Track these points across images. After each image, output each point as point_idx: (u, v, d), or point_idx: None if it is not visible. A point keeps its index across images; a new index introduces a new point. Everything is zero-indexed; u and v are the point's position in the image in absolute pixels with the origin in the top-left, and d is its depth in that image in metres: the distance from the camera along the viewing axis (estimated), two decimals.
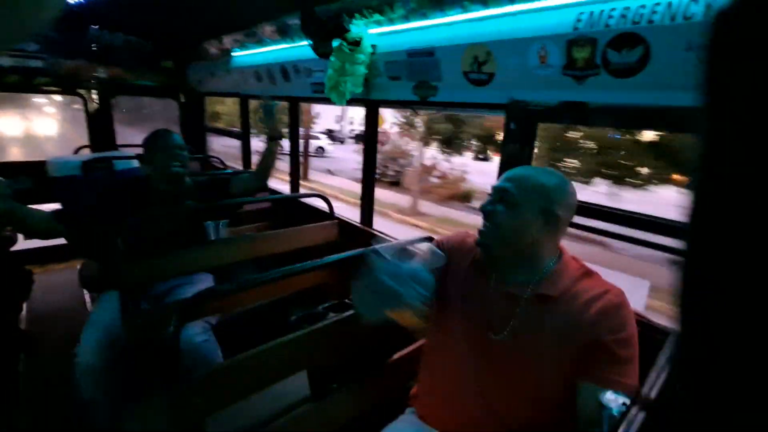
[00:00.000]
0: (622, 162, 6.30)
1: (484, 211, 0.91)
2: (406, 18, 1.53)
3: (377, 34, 1.67)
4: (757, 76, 0.16)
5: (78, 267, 3.12)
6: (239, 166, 3.28)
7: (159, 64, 3.40)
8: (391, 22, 1.58)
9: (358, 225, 2.03)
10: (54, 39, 2.90)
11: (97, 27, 3.03)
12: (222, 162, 3.16)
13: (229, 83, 2.97)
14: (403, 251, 0.83)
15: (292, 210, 2.50)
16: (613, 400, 0.69)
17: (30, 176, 2.86)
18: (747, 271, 0.17)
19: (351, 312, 1.12)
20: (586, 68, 1.07)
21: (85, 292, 2.82)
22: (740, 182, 0.17)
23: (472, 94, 1.41)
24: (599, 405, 0.72)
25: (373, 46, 1.68)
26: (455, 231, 1.13)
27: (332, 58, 1.70)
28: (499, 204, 0.89)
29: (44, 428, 1.75)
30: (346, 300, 1.24)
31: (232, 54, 2.75)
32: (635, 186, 6.35)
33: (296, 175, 2.67)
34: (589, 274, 0.90)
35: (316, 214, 2.30)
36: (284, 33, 2.16)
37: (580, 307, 0.83)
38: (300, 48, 2.10)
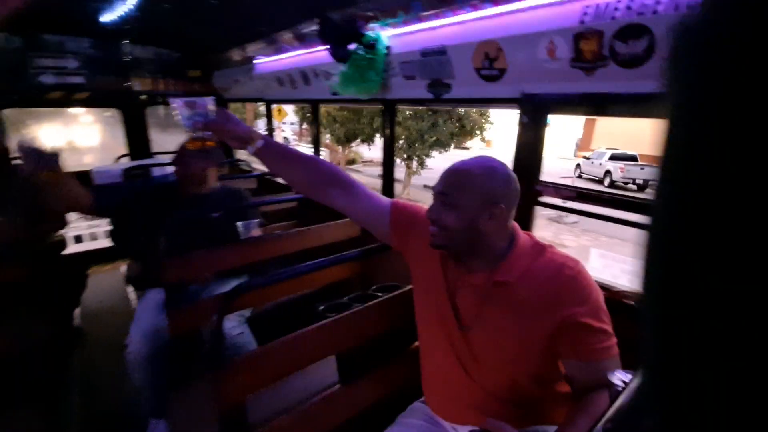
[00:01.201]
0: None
1: (430, 217, 0.93)
2: (419, 19, 1.58)
3: (391, 36, 1.73)
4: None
5: (123, 268, 3.36)
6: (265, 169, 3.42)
7: (187, 73, 3.58)
8: (404, 23, 1.63)
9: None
10: (92, 56, 3.11)
11: (129, 42, 3.23)
12: (249, 165, 3.31)
13: (253, 89, 3.10)
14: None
15: (316, 208, 2.59)
16: (617, 377, 0.73)
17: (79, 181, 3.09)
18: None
19: (374, 302, 1.20)
20: (594, 60, 1.09)
21: (130, 290, 3.04)
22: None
23: (485, 90, 1.44)
24: (597, 380, 0.77)
25: (388, 48, 1.74)
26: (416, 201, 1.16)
27: (349, 62, 1.77)
28: (442, 207, 0.91)
29: (97, 413, 1.92)
30: (368, 291, 1.31)
31: (255, 61, 2.87)
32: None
33: None
34: (542, 250, 0.92)
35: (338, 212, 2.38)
36: (303, 39, 2.25)
37: (540, 286, 0.86)
38: (318, 53, 2.19)
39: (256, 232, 1.82)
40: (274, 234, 1.89)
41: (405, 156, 10.00)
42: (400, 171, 7.92)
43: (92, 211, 1.68)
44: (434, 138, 9.51)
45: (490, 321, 0.91)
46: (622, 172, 13.30)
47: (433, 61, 1.58)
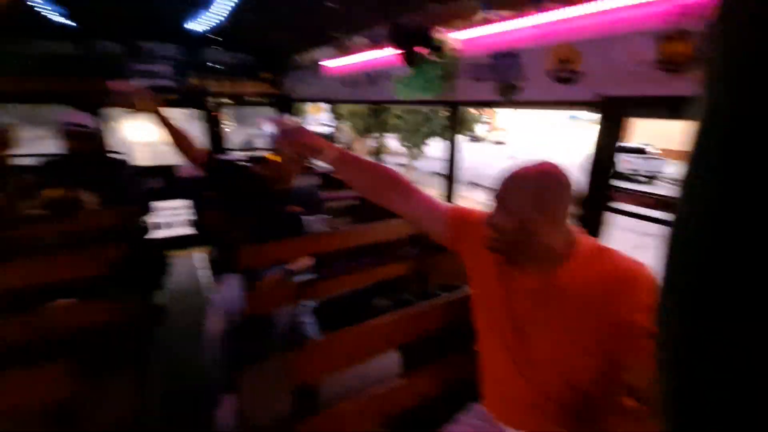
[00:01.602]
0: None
1: (487, 221, 0.94)
2: (489, 22, 1.59)
3: (460, 39, 1.75)
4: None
5: (198, 254, 3.68)
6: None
7: (259, 75, 3.84)
8: (474, 27, 1.65)
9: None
10: (179, 61, 3.45)
11: (211, 48, 3.54)
12: (312, 162, 3.47)
13: (319, 90, 3.26)
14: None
15: (373, 206, 2.68)
16: None
17: (163, 177, 3.45)
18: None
19: (437, 300, 1.24)
20: (680, 62, 1.04)
21: (206, 273, 3.33)
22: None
23: (557, 92, 1.42)
24: None
25: (456, 51, 1.76)
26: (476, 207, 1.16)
27: (416, 65, 1.82)
28: (498, 211, 0.92)
29: (174, 386, 2.15)
30: (430, 289, 1.35)
31: (322, 63, 3.02)
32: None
33: None
34: (604, 253, 0.89)
35: None
36: (370, 43, 2.34)
37: (598, 289, 0.84)
38: (384, 55, 2.26)
39: (321, 226, 1.93)
40: (337, 229, 1.98)
41: (405, 144, 11.85)
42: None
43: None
44: (428, 130, 11.20)
45: (545, 324, 0.92)
46: (625, 164, 13.09)
47: (503, 63, 1.57)
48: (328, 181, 3.28)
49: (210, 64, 3.59)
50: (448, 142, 2.11)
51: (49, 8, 2.45)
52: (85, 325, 1.47)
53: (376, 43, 2.28)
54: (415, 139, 11.61)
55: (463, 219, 1.12)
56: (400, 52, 1.80)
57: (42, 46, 2.96)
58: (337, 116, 12.17)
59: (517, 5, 1.42)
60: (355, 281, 1.82)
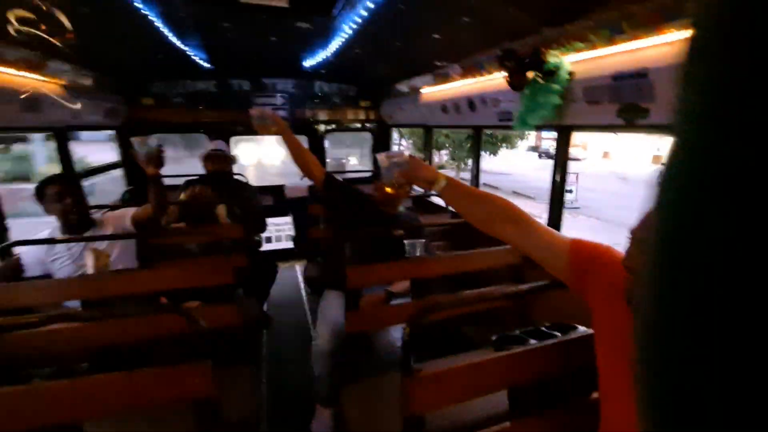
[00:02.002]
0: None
1: (625, 264, 0.84)
2: (611, 42, 1.48)
3: (575, 61, 1.66)
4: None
5: (298, 267, 3.97)
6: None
7: (360, 103, 4.10)
8: (594, 48, 1.55)
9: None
10: (293, 93, 3.86)
11: (320, 80, 3.90)
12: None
13: (416, 116, 3.35)
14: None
15: (470, 231, 2.63)
16: None
17: (273, 195, 3.84)
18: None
19: (553, 341, 1.15)
20: None
21: (303, 287, 3.58)
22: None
23: None
24: None
25: (570, 74, 1.68)
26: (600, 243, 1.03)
27: (526, 90, 1.77)
28: (638, 253, 0.80)
29: (276, 390, 2.30)
30: (543, 328, 1.26)
31: (421, 91, 3.11)
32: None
33: None
34: None
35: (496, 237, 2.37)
36: (473, 69, 2.34)
37: None
38: (488, 80, 2.24)
39: (421, 251, 1.94)
40: (437, 255, 1.98)
41: (453, 159, 14.43)
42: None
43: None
44: (469, 145, 12.68)
45: None
46: None
47: (627, 84, 1.45)
48: (421, 204, 3.32)
49: (318, 94, 3.95)
50: (556, 168, 1.99)
51: (197, 55, 2.95)
52: (212, 327, 1.67)
53: (479, 69, 2.28)
54: (460, 154, 13.98)
55: (588, 255, 1.03)
56: (509, 77, 1.78)
57: (191, 85, 3.56)
58: (401, 135, 14.39)
59: (649, 23, 1.30)
60: (455, 309, 1.78)
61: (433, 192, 1.21)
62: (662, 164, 0.19)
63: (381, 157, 1.33)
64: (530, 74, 1.75)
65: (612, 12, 1.39)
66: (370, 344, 1.78)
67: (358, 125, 4.24)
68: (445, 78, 2.70)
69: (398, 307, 1.85)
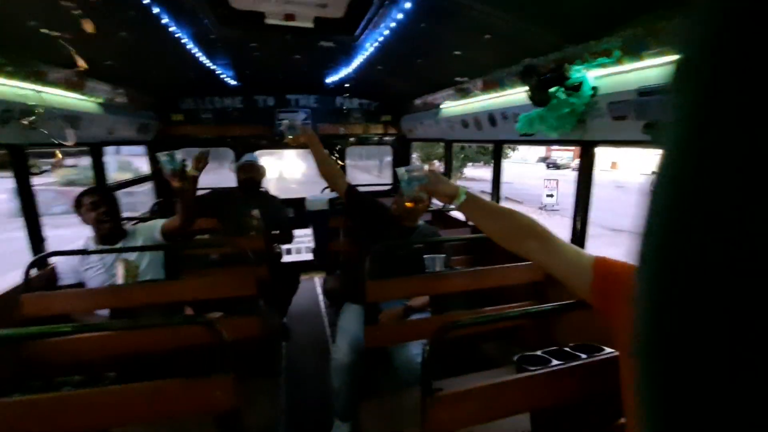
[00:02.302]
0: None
1: None
2: (638, 57, 1.46)
3: (599, 76, 1.65)
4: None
5: (318, 279, 4.00)
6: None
7: (380, 118, 4.16)
8: (619, 63, 1.54)
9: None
10: (316, 108, 3.95)
11: (342, 96, 3.99)
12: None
13: (436, 131, 3.37)
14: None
15: (490, 245, 2.60)
16: None
17: (294, 208, 3.90)
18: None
19: (578, 362, 1.12)
20: None
21: (321, 299, 3.59)
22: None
23: None
24: None
25: (594, 89, 1.66)
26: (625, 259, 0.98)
27: (548, 105, 1.76)
28: None
29: (293, 400, 2.30)
30: (567, 348, 1.23)
31: (442, 106, 3.13)
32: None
33: None
34: None
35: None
36: (494, 84, 2.35)
37: None
38: (508, 95, 2.24)
39: (440, 266, 1.93)
40: (457, 271, 1.96)
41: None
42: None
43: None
44: (463, 155, 15.42)
45: None
46: None
47: (654, 100, 1.43)
48: (440, 218, 3.31)
49: (339, 109, 4.04)
50: (580, 182, 1.96)
51: (225, 73, 3.07)
52: (235, 338, 1.69)
53: (499, 84, 2.28)
54: (455, 164, 14.80)
55: (613, 274, 1.00)
56: (531, 92, 1.77)
57: (218, 101, 3.70)
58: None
59: (675, 39, 1.28)
60: (472, 325, 1.76)
61: (452, 206, 1.20)
62: (653, 173, 0.20)
63: (401, 171, 1.34)
64: (553, 89, 1.75)
65: (637, 29, 1.38)
66: (388, 359, 1.77)
67: (379, 139, 4.30)
68: (465, 93, 2.72)
69: (417, 322, 1.83)
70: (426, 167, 1.35)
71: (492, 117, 2.46)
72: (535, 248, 1.08)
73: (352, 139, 4.14)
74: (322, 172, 1.90)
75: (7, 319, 1.55)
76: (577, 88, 1.67)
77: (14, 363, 1.44)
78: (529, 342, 1.96)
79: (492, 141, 2.65)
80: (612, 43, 1.52)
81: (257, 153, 3.86)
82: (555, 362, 1.13)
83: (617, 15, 1.44)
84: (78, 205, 1.90)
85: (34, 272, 1.89)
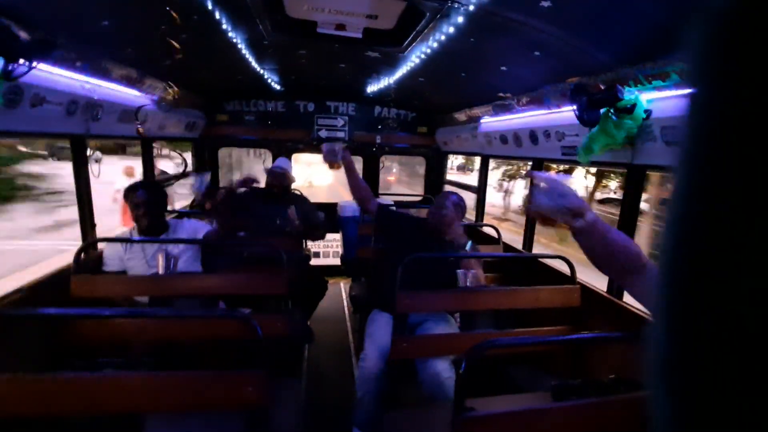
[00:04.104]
0: None
1: None
2: None
3: (653, 99, 1.59)
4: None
5: (343, 284, 4.02)
6: (472, 218, 3.57)
7: (416, 129, 4.17)
8: (676, 86, 1.48)
9: (605, 294, 1.87)
10: (353, 116, 4.01)
11: (379, 105, 4.04)
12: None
13: (473, 144, 3.35)
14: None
15: (524, 264, 2.54)
16: None
17: (325, 212, 3.96)
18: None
19: (619, 397, 1.06)
20: None
21: (346, 305, 3.60)
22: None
23: None
24: None
25: (647, 112, 1.61)
26: None
27: (598, 125, 1.71)
28: None
29: (320, 408, 2.30)
30: (606, 381, 1.17)
31: (481, 121, 3.11)
32: None
33: (531, 232, 2.70)
34: None
35: (549, 273, 2.26)
36: (538, 101, 2.31)
37: None
38: (553, 113, 2.20)
39: (472, 282, 1.90)
40: (490, 288, 1.92)
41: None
42: None
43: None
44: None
45: None
46: None
47: None
48: (473, 233, 3.26)
49: (377, 118, 4.09)
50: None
51: (271, 78, 3.18)
52: (265, 335, 1.72)
53: (544, 102, 2.24)
54: None
55: None
56: (579, 111, 1.73)
57: (261, 104, 3.83)
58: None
59: None
60: (508, 347, 1.71)
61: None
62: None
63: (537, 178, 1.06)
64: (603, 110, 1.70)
65: None
66: (412, 372, 1.74)
67: (414, 150, 4.31)
68: (506, 109, 2.69)
69: (446, 337, 1.80)
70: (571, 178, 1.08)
71: (533, 134, 2.41)
72: (638, 283, 0.91)
73: (386, 149, 4.17)
74: (354, 195, 2.12)
75: (58, 297, 1.64)
76: (629, 110, 1.62)
77: (61, 340, 1.51)
78: (558, 369, 1.88)
79: (532, 158, 2.60)
80: (670, 66, 1.46)
81: (292, 156, 3.98)
82: (594, 395, 1.08)
83: (675, 38, 1.39)
84: (125, 199, 2.01)
85: (82, 257, 2.00)
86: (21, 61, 1.33)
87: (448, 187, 4.37)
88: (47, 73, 1.59)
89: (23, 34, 1.34)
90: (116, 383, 1.12)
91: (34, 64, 1.36)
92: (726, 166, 0.19)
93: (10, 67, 1.32)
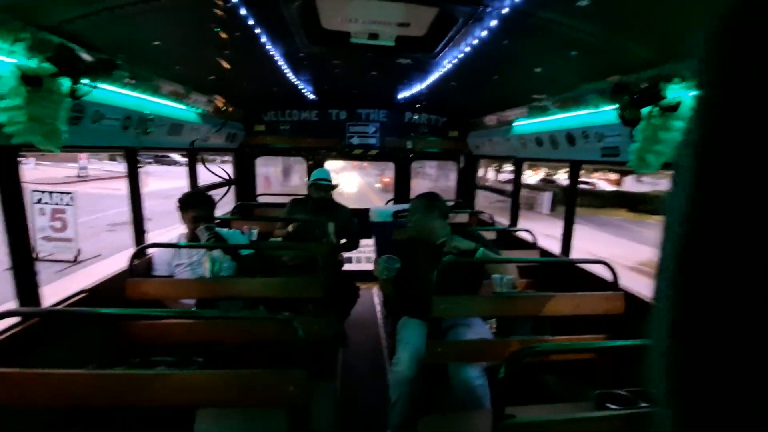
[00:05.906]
0: None
1: None
2: None
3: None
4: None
5: (376, 289, 4.04)
6: (506, 221, 3.51)
7: (447, 134, 4.16)
8: None
9: (651, 302, 1.78)
10: (384, 123, 4.06)
11: (410, 111, 4.06)
12: (491, 217, 3.47)
13: (506, 147, 3.29)
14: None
15: (561, 271, 2.46)
16: None
17: (357, 218, 4.01)
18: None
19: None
20: None
21: (378, 309, 3.62)
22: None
23: None
24: None
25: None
26: None
27: (640, 126, 1.65)
28: None
29: (353, 411, 2.32)
30: (640, 392, 1.12)
31: (514, 123, 3.06)
32: None
33: (569, 236, 2.62)
34: None
35: (588, 278, 2.18)
36: (575, 101, 2.25)
37: None
38: (591, 113, 2.13)
39: (508, 287, 1.86)
40: (527, 294, 1.88)
41: None
42: None
43: None
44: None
45: None
46: None
47: None
48: (506, 237, 3.20)
49: (408, 123, 4.11)
50: None
51: (305, 88, 3.28)
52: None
53: (582, 102, 2.18)
54: None
55: None
56: (621, 111, 1.67)
57: (296, 114, 3.96)
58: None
59: None
60: (548, 354, 1.66)
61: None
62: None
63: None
64: (646, 110, 1.64)
65: None
66: (445, 377, 1.73)
67: (445, 154, 4.30)
68: (541, 111, 2.63)
69: (481, 343, 1.78)
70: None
71: (570, 136, 2.35)
72: None
73: (418, 153, 4.18)
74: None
75: (115, 298, 1.77)
76: (674, 108, 1.55)
77: (119, 338, 1.63)
78: (597, 378, 1.80)
79: (569, 160, 2.53)
80: None
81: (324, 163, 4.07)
82: (643, 404, 1.04)
83: None
84: (180, 206, 2.14)
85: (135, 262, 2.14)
86: (84, 81, 1.46)
87: (479, 191, 4.31)
88: (106, 90, 1.73)
89: (86, 56, 1.47)
90: (170, 380, 1.19)
91: (96, 83, 1.49)
92: (728, 167, 0.19)
93: (75, 87, 1.45)
